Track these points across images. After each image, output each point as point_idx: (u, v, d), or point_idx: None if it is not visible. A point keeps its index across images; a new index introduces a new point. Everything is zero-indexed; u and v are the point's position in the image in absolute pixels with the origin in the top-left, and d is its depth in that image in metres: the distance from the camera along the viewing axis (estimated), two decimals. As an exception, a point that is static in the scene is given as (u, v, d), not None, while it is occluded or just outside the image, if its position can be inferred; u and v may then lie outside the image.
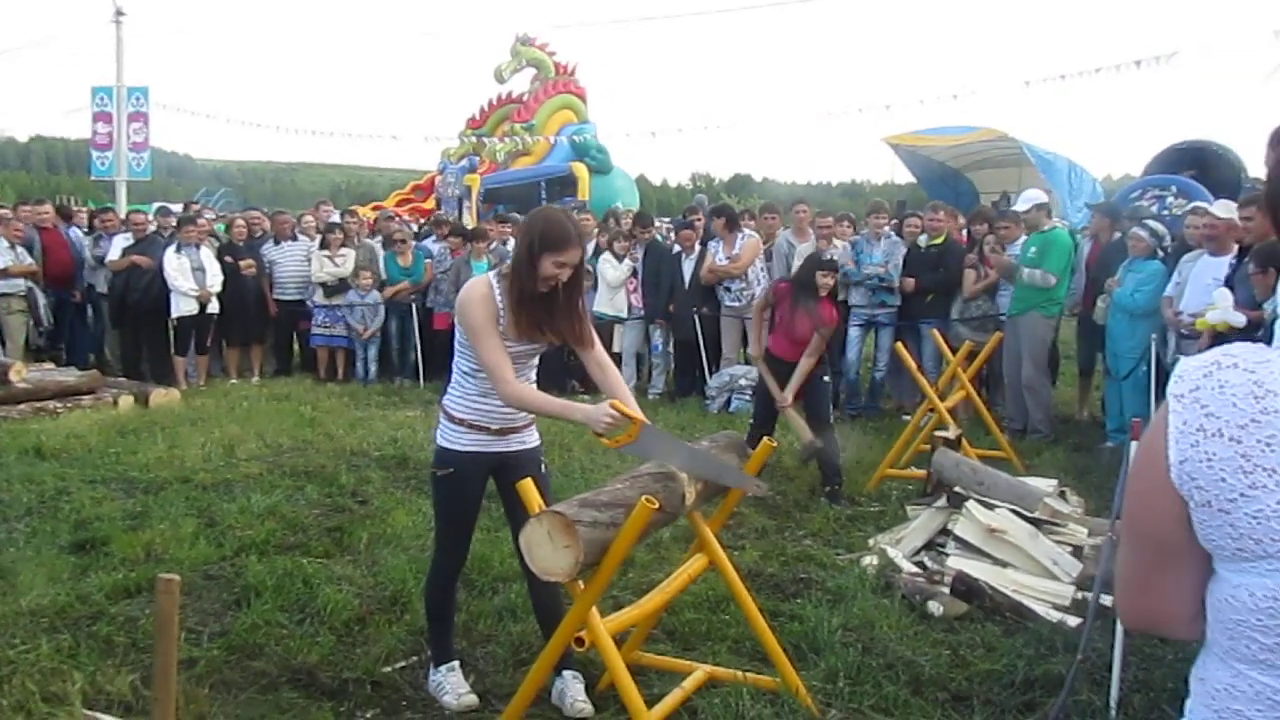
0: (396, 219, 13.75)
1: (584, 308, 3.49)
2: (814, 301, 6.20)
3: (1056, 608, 4.45)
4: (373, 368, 10.72)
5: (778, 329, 6.40)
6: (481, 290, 3.32)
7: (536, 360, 3.54)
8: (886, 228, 9.19)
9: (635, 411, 3.14)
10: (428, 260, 10.87)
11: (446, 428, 3.48)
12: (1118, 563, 1.37)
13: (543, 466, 3.60)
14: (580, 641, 3.06)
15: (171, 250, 9.96)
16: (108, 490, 6.20)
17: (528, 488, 3.08)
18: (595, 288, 9.84)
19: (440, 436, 3.52)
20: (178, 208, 14.98)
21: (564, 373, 9.27)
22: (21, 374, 8.55)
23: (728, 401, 9.20)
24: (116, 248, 10.39)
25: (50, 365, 9.79)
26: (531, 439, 3.57)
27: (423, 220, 17.50)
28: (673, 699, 3.41)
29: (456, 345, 3.47)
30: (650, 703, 3.21)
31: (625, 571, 4.58)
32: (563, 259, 3.23)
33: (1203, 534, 1.22)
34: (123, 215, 12.17)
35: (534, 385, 3.50)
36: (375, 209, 21.09)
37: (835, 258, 6.62)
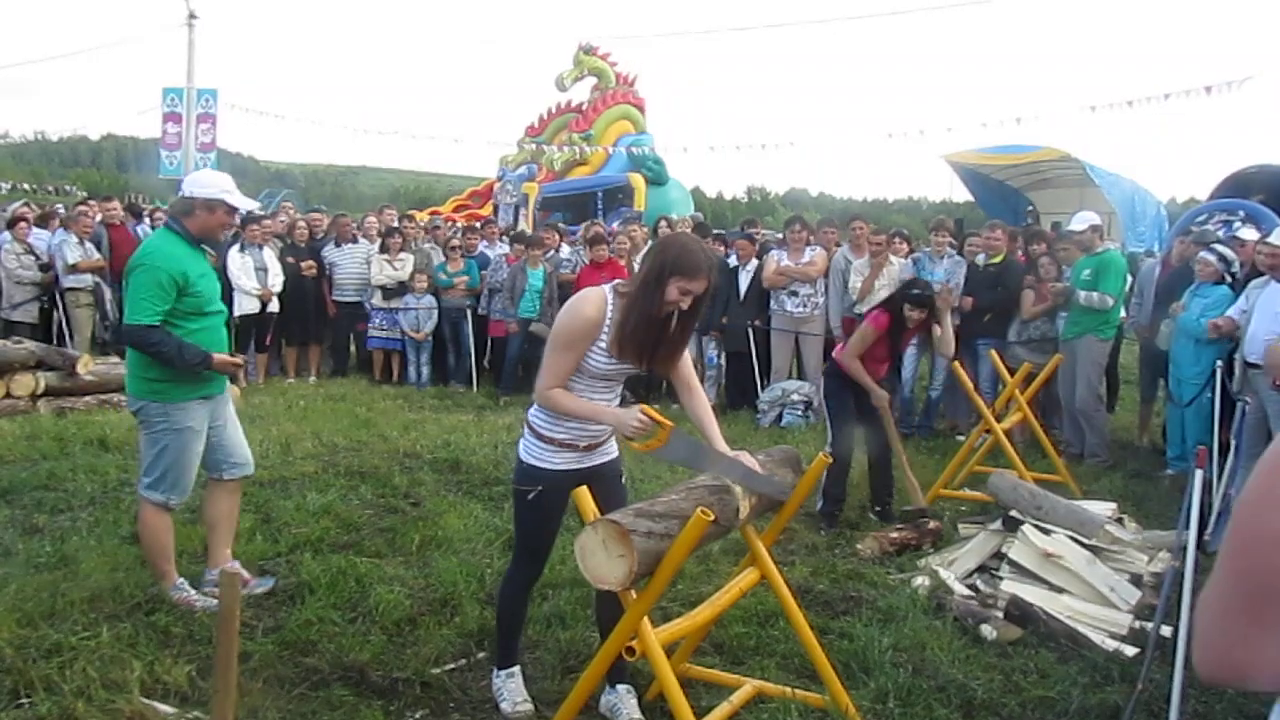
0: (447, 225, 13.84)
1: (686, 339, 3.42)
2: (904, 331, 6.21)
3: (1113, 636, 4.37)
4: (425, 371, 10.84)
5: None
6: (594, 309, 3.24)
7: (623, 380, 3.50)
8: (948, 246, 9.12)
9: (663, 417, 3.14)
10: (483, 271, 10.96)
11: (534, 445, 3.42)
12: (1206, 615, 1.24)
13: (622, 479, 3.60)
14: (631, 651, 3.06)
15: (235, 249, 10.16)
16: (168, 483, 6.31)
17: (583, 495, 3.09)
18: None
19: (526, 453, 3.45)
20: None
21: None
22: (88, 366, 8.74)
23: (779, 416, 9.16)
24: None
25: (116, 359, 9.99)
26: (613, 450, 3.55)
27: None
28: (720, 713, 3.41)
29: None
30: (698, 715, 3.20)
31: (674, 583, 4.56)
32: (689, 286, 3.18)
33: None
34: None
35: (617, 403, 3.46)
36: (433, 214, 21.33)
37: (929, 287, 6.43)
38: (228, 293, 10.01)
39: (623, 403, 3.47)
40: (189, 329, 4.27)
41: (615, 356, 3.28)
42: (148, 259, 4.26)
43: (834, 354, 6.50)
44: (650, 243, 11.27)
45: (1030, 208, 20.01)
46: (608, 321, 3.25)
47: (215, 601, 4.16)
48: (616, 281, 3.39)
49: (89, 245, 10.35)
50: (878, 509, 6.22)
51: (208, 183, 4.39)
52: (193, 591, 4.47)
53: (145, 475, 4.39)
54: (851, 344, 6.19)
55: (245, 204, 4.55)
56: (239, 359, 4.40)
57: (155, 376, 4.27)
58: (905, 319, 6.10)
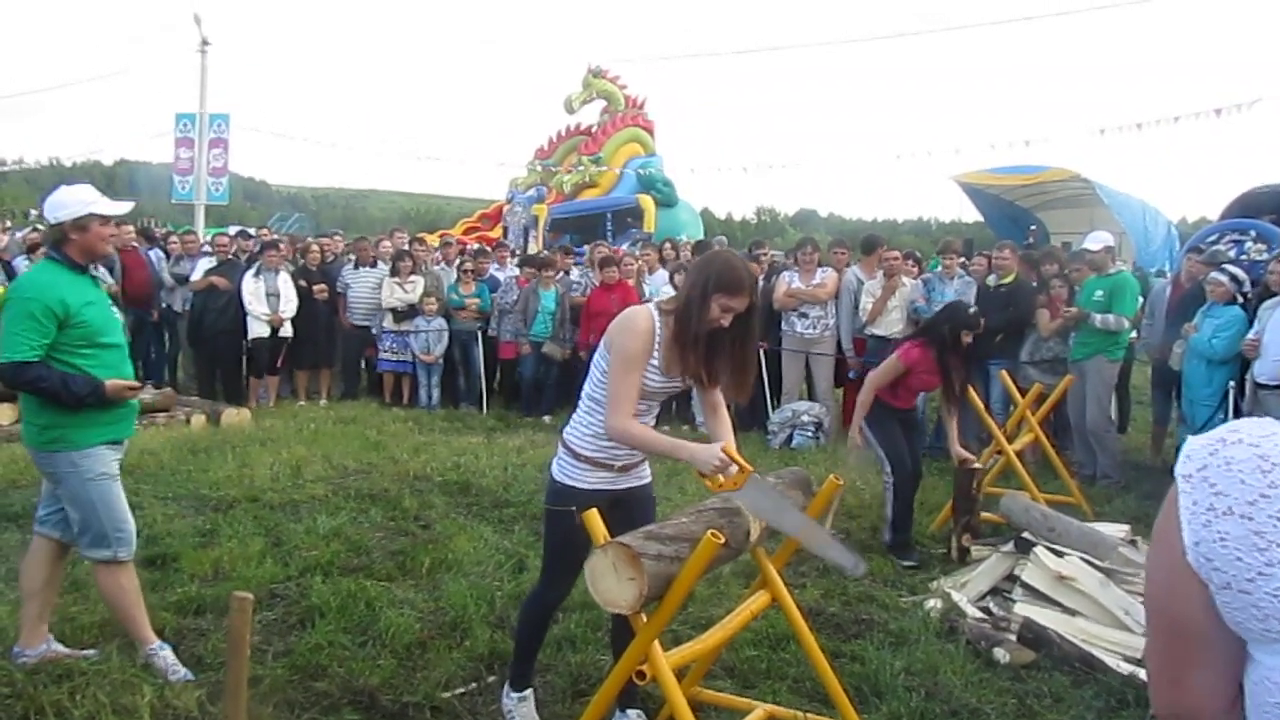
0: (456, 245, 13.91)
1: (753, 359, 3.41)
2: (957, 357, 5.88)
3: (1127, 660, 4.33)
4: (435, 393, 10.86)
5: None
6: (646, 322, 3.24)
7: (663, 399, 3.49)
8: (958, 267, 9.14)
9: (744, 460, 3.09)
10: (493, 294, 10.99)
11: (569, 464, 3.39)
12: (1146, 654, 1.32)
13: (654, 503, 3.57)
14: (641, 675, 3.04)
15: (250, 274, 10.23)
16: (179, 507, 6.33)
17: (592, 518, 3.08)
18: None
19: (560, 472, 3.42)
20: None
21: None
22: (100, 390, 8.75)
23: (789, 437, 9.14)
24: (200, 269, 10.70)
25: (127, 382, 10.03)
26: (646, 474, 3.52)
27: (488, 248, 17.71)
28: (732, 737, 3.38)
29: (593, 373, 3.36)
30: (709, 740, 3.18)
31: (684, 606, 4.54)
32: (731, 303, 3.17)
33: (1228, 617, 1.18)
34: (202, 238, 12.54)
35: (653, 422, 3.44)
36: (442, 236, 21.42)
37: (974, 311, 6.11)
38: (240, 316, 10.10)
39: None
40: (79, 365, 3.79)
41: (666, 374, 3.28)
42: (18, 291, 3.84)
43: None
44: (677, 260, 11.28)
45: (1032, 227, 20.01)
46: (658, 338, 3.25)
47: (187, 673, 3.91)
48: (658, 299, 3.38)
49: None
50: (893, 548, 5.94)
51: (67, 202, 3.91)
52: (172, 658, 4.00)
53: (81, 536, 3.92)
54: (876, 372, 6.00)
55: (117, 207, 4.09)
56: (135, 383, 3.97)
57: (49, 423, 3.81)
58: (959, 344, 5.84)
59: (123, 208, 4.21)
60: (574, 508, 3.26)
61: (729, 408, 3.57)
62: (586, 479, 3.37)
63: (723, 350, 3.29)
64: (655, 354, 3.25)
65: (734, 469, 3.07)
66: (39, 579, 4.03)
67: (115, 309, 4.12)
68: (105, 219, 3.98)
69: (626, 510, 3.32)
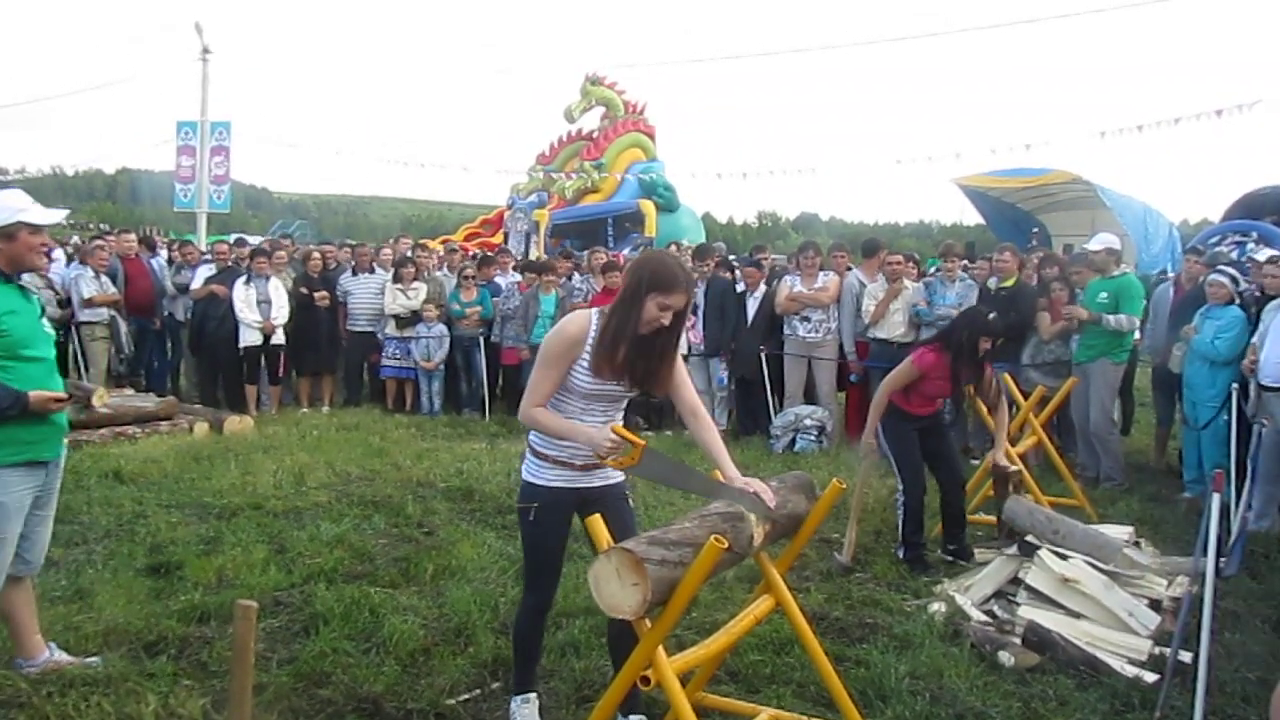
0: (460, 253, 13.95)
1: (674, 354, 3.46)
2: (975, 366, 5.83)
3: (1132, 662, 4.33)
4: (437, 400, 10.85)
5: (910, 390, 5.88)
6: (576, 327, 3.34)
7: (625, 403, 3.55)
8: (959, 270, 9.15)
9: (634, 436, 3.16)
10: (495, 299, 11.00)
11: (532, 463, 3.50)
12: None
13: (629, 500, 3.61)
14: (646, 680, 3.04)
15: (241, 281, 10.25)
16: (182, 515, 6.34)
17: (596, 524, 3.09)
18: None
19: (525, 471, 3.52)
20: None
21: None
22: (104, 400, 8.76)
23: (792, 441, 9.13)
24: (200, 277, 10.72)
25: (130, 391, 10.06)
26: (615, 473, 3.54)
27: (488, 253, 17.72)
28: (737, 742, 3.37)
29: None
30: (714, 745, 3.18)
31: (688, 611, 4.55)
32: (667, 301, 3.24)
33: None
34: (203, 246, 12.54)
35: (620, 424, 3.47)
36: (444, 242, 21.46)
37: (994, 317, 5.98)
38: (233, 324, 10.12)
39: (627, 426, 3.48)
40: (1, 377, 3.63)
41: (597, 375, 3.33)
42: None
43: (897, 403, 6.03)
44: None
45: (1035, 230, 20.02)
46: (589, 340, 3.31)
47: None
48: (607, 305, 3.42)
49: (104, 279, 10.41)
50: (952, 547, 5.94)
51: None
52: None
53: None
54: (890, 376, 5.90)
55: (49, 216, 3.87)
56: (61, 394, 3.76)
57: None
58: (976, 351, 5.77)
59: (55, 216, 4.01)
60: (537, 504, 3.40)
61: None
62: (546, 476, 3.46)
63: (653, 352, 3.33)
64: (585, 357, 3.32)
65: (628, 447, 3.13)
66: (5, 596, 3.89)
67: (46, 322, 3.96)
68: (35, 228, 3.80)
69: (601, 509, 3.34)
